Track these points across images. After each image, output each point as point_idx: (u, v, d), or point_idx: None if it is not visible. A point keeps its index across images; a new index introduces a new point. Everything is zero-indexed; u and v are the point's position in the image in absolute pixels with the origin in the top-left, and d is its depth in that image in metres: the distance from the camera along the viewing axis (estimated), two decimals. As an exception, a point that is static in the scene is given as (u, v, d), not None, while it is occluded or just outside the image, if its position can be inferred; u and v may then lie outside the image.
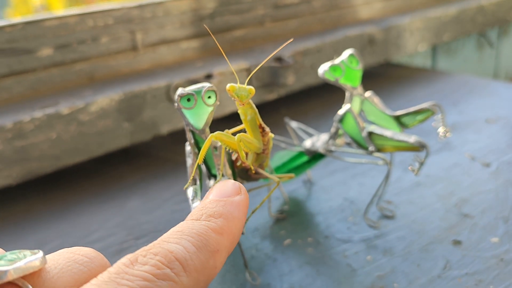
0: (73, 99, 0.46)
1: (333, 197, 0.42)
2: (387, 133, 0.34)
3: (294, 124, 0.42)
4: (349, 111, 0.35)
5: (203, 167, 0.30)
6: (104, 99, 0.46)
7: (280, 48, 0.31)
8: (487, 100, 0.62)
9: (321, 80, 0.63)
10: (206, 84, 0.28)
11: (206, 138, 0.29)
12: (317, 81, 0.62)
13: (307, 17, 0.68)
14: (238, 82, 0.28)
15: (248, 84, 0.57)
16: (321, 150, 0.38)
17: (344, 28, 0.67)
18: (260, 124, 0.29)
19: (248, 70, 0.55)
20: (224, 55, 0.29)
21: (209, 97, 0.28)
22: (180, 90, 0.28)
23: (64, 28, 0.50)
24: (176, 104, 0.28)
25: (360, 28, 0.67)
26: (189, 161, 0.30)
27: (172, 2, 0.56)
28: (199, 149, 0.30)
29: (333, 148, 0.37)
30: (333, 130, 0.37)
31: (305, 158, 0.39)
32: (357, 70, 0.35)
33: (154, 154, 0.53)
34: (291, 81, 0.57)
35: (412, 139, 0.33)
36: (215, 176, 0.31)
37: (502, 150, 0.48)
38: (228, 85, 0.27)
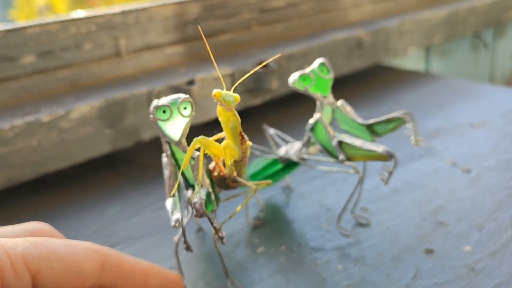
0: (55, 107, 0.47)
1: (310, 204, 0.42)
2: (357, 142, 0.34)
3: (271, 131, 0.42)
4: (319, 120, 0.35)
5: (180, 178, 0.30)
6: (85, 107, 0.47)
7: (268, 61, 0.31)
8: (474, 103, 0.61)
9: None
10: (182, 95, 0.28)
11: (182, 149, 0.29)
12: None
13: (295, 21, 0.68)
14: (225, 88, 0.28)
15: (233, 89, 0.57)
16: (294, 158, 0.38)
17: (331, 32, 0.67)
18: (240, 132, 0.30)
19: (232, 76, 0.55)
20: (214, 60, 0.29)
21: (185, 108, 0.28)
22: (155, 102, 0.28)
23: (46, 35, 0.50)
24: (151, 116, 0.28)
25: (348, 31, 0.66)
26: (166, 172, 0.31)
27: (155, 8, 0.56)
28: (175, 160, 0.30)
29: (306, 156, 0.37)
30: (305, 138, 0.37)
31: (279, 166, 0.39)
32: (328, 79, 0.35)
33: (136, 160, 0.53)
34: (276, 86, 0.57)
35: (380, 148, 0.33)
36: (192, 186, 0.31)
37: (484, 156, 0.48)
38: (215, 91, 0.27)
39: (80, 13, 0.52)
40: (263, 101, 0.58)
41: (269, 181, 0.34)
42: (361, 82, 0.72)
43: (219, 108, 0.29)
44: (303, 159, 0.38)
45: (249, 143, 0.30)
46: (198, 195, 0.27)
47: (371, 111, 0.61)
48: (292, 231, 0.38)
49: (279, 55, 0.34)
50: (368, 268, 0.34)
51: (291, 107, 0.63)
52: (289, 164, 0.39)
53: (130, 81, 0.53)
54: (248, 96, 0.56)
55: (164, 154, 0.31)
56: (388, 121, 0.34)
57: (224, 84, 0.29)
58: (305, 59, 0.61)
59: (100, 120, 0.48)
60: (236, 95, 0.28)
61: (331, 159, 0.36)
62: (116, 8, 0.54)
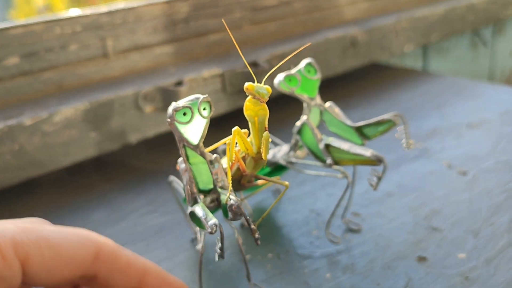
0: (38, 109, 0.45)
1: (299, 208, 0.40)
2: (345, 145, 0.32)
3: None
4: (306, 122, 0.33)
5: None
6: (68, 109, 0.45)
7: (298, 50, 0.30)
8: (472, 103, 0.60)
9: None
10: (200, 96, 0.27)
11: (200, 152, 0.27)
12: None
13: (288, 20, 0.67)
14: (256, 81, 0.27)
15: (223, 89, 0.56)
16: (281, 161, 0.36)
17: (326, 30, 0.66)
18: (266, 128, 0.28)
19: (222, 76, 0.53)
20: (240, 51, 0.28)
21: (204, 108, 0.27)
22: (175, 104, 0.26)
23: (30, 36, 0.49)
24: (169, 120, 0.26)
25: (343, 30, 0.65)
26: (185, 179, 0.29)
27: (143, 7, 0.54)
28: (190, 164, 0.28)
29: (293, 159, 0.36)
30: (293, 141, 0.35)
31: (267, 170, 0.38)
32: (315, 80, 0.34)
33: (124, 163, 0.51)
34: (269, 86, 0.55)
35: (369, 152, 0.31)
36: (202, 192, 0.29)
37: (481, 157, 0.46)
38: (247, 84, 0.26)
39: (65, 13, 0.51)
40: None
41: (278, 176, 0.33)
42: (356, 81, 0.70)
43: (247, 103, 0.27)
44: (291, 163, 0.36)
45: (270, 140, 0.29)
46: (232, 197, 0.26)
47: (365, 111, 0.60)
48: (280, 237, 0.37)
49: (309, 43, 0.32)
50: (358, 277, 0.32)
51: (284, 108, 0.62)
52: (277, 168, 0.38)
53: (118, 82, 0.52)
54: (238, 96, 0.55)
55: (180, 160, 0.30)
56: (378, 123, 0.33)
57: (254, 77, 0.28)
58: (297, 58, 0.59)
59: (85, 123, 0.46)
60: (268, 86, 0.27)
61: (319, 163, 0.34)
62: (103, 8, 0.52)
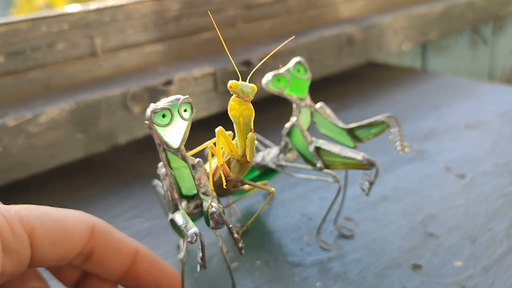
0: (23, 110, 0.44)
1: (291, 213, 0.39)
2: (335, 148, 0.31)
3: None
4: (295, 124, 0.32)
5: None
6: (54, 110, 0.44)
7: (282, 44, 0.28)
8: (471, 103, 0.58)
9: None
10: (180, 96, 0.26)
11: (181, 156, 0.26)
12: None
13: (282, 17, 0.65)
14: (241, 79, 0.26)
15: (214, 89, 0.54)
16: (270, 164, 0.35)
17: (321, 28, 0.64)
18: (252, 129, 0.27)
19: (213, 76, 0.52)
20: (226, 48, 0.26)
21: (185, 110, 0.26)
22: (153, 106, 0.25)
23: (15, 35, 0.47)
24: (147, 122, 0.25)
25: (338, 28, 0.63)
26: (165, 184, 0.28)
27: (133, 5, 0.53)
28: (171, 169, 0.27)
29: (283, 163, 0.34)
30: (282, 144, 0.34)
31: (256, 173, 0.36)
32: (305, 79, 0.32)
33: (112, 165, 0.50)
34: (260, 86, 0.54)
35: (360, 156, 0.30)
36: (186, 197, 0.28)
37: (480, 159, 0.45)
38: (230, 82, 0.25)
39: (51, 11, 0.49)
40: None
41: (266, 181, 0.32)
42: (352, 80, 0.69)
43: (231, 102, 0.26)
44: (281, 166, 0.35)
45: (256, 142, 0.27)
46: (214, 204, 0.25)
47: (362, 111, 0.58)
48: (270, 244, 0.36)
49: (292, 37, 0.31)
50: (350, 286, 0.31)
51: (277, 108, 0.60)
52: (266, 171, 0.36)
53: (106, 82, 0.50)
54: (230, 96, 0.53)
55: (161, 164, 0.29)
56: (370, 125, 0.31)
57: (239, 75, 0.27)
58: (292, 57, 0.57)
59: (71, 123, 0.45)
60: (253, 85, 0.26)
61: (309, 167, 0.33)
62: (91, 6, 0.51)
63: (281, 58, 0.57)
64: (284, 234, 0.36)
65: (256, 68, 0.28)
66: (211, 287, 0.32)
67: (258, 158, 0.36)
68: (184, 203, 0.28)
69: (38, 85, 0.49)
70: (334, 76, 0.65)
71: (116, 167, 0.49)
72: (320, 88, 0.66)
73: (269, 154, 0.35)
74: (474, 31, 0.93)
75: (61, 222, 0.24)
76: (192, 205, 0.28)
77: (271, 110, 0.59)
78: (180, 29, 0.57)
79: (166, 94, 0.48)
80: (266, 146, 0.39)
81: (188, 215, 0.28)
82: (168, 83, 0.49)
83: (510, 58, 1.02)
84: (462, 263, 0.32)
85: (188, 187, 0.28)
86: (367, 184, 0.30)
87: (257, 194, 0.42)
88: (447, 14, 0.76)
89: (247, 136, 0.26)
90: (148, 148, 0.52)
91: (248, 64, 0.54)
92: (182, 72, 0.51)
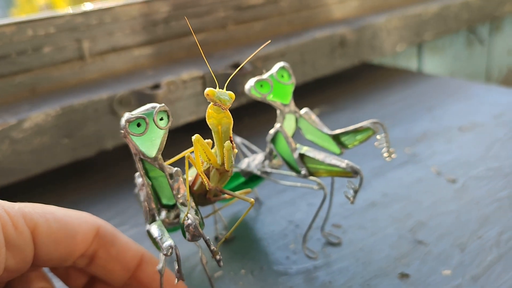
0: (7, 115, 0.43)
1: (278, 219, 0.38)
2: (320, 156, 0.30)
3: (238, 139, 0.38)
4: (279, 130, 0.31)
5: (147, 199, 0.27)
6: (39, 115, 0.43)
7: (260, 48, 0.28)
8: (465, 104, 0.57)
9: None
10: (156, 105, 0.25)
11: (159, 166, 0.25)
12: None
13: (274, 19, 0.64)
14: (218, 87, 0.26)
15: (204, 92, 0.53)
16: (255, 171, 0.34)
17: (314, 30, 0.63)
18: (231, 138, 0.26)
19: (202, 79, 0.51)
20: (203, 54, 0.26)
21: (161, 118, 0.25)
22: (127, 115, 0.24)
23: (0, 39, 0.46)
24: (122, 132, 0.24)
25: (331, 29, 0.63)
26: (142, 195, 0.27)
27: (120, 8, 0.52)
28: (150, 178, 0.26)
29: (268, 169, 0.34)
30: (267, 150, 0.33)
31: (241, 180, 0.36)
32: (288, 85, 0.32)
33: (99, 170, 0.49)
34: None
35: (344, 163, 0.29)
36: (167, 207, 0.27)
37: (472, 163, 0.44)
38: (207, 89, 0.25)
39: (36, 15, 0.48)
40: (239, 105, 0.55)
41: (249, 189, 0.31)
42: (346, 82, 0.68)
43: (209, 110, 0.25)
44: (266, 173, 0.34)
45: (236, 150, 0.27)
46: (190, 216, 0.24)
47: (354, 113, 0.57)
48: (255, 252, 0.35)
49: (268, 41, 0.30)
50: (335, 297, 0.30)
51: (270, 111, 0.59)
52: (252, 178, 0.36)
53: (93, 86, 0.49)
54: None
55: (137, 174, 0.28)
56: (356, 131, 0.30)
57: (217, 82, 0.26)
58: (283, 59, 0.57)
59: (56, 129, 0.44)
60: (231, 92, 0.25)
61: (294, 173, 0.32)
62: (77, 9, 0.50)
63: (271, 61, 0.56)
64: (270, 242, 0.36)
65: (233, 75, 0.27)
66: (194, 298, 0.31)
67: (243, 164, 0.35)
68: (164, 213, 0.28)
69: (24, 90, 0.48)
70: (327, 78, 0.65)
71: (103, 172, 0.49)
72: (313, 90, 0.65)
73: (254, 161, 0.35)
74: (470, 31, 0.92)
75: (65, 222, 0.24)
76: (172, 214, 0.28)
77: (259, 115, 0.58)
78: (170, 32, 0.56)
79: (153, 98, 0.47)
80: (253, 152, 0.38)
81: (169, 225, 0.28)
82: (156, 86, 0.48)
83: (507, 58, 1.02)
84: (451, 272, 0.31)
85: (168, 197, 0.27)
86: (351, 192, 0.29)
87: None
88: (442, 14, 0.75)
89: (224, 145, 0.25)
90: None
91: (237, 66, 0.53)
92: (171, 75, 0.50)
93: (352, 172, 0.29)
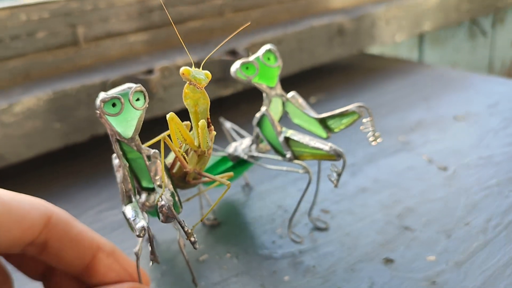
0: (-1, 99, 0.43)
1: (267, 204, 0.38)
2: (304, 139, 0.30)
3: (228, 124, 0.38)
4: (265, 113, 0.31)
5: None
6: (30, 99, 0.43)
7: (234, 34, 0.27)
8: (461, 94, 0.57)
9: (291, 71, 0.59)
10: (133, 85, 0.25)
11: (136, 147, 0.25)
12: (283, 74, 0.57)
13: (273, 6, 0.64)
14: (193, 66, 0.25)
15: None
16: (242, 155, 0.34)
17: (311, 18, 0.63)
18: (208, 119, 0.26)
19: (197, 65, 0.51)
20: (181, 40, 0.26)
21: (138, 99, 0.25)
22: (102, 95, 0.24)
23: (-7, 23, 0.46)
24: (98, 112, 0.24)
25: (329, 18, 0.62)
26: (118, 176, 0.27)
27: (115, -7, 0.52)
28: (127, 160, 0.26)
29: (254, 153, 0.34)
30: (254, 134, 0.33)
31: (229, 164, 0.36)
32: (274, 68, 0.31)
33: (91, 155, 0.49)
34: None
35: (327, 146, 0.29)
36: (147, 189, 0.27)
37: (464, 152, 0.44)
38: (182, 68, 0.24)
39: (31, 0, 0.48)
40: (235, 91, 0.55)
41: (231, 173, 0.30)
42: (344, 70, 0.68)
43: (186, 90, 0.25)
44: (252, 157, 0.34)
45: (214, 132, 0.27)
46: (164, 197, 0.24)
47: (349, 101, 0.56)
48: (242, 236, 0.35)
49: (248, 24, 0.30)
50: (318, 281, 0.30)
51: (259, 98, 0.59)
52: (239, 162, 0.36)
53: (87, 71, 0.49)
54: (216, 86, 0.53)
55: (114, 155, 0.28)
56: (342, 115, 0.30)
57: (192, 61, 0.26)
58: (280, 47, 0.57)
59: (48, 113, 0.44)
60: (207, 72, 0.25)
61: (280, 157, 0.32)
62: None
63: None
64: (258, 226, 0.36)
65: (209, 56, 0.27)
66: (177, 280, 0.31)
67: (231, 149, 0.35)
68: (144, 196, 0.27)
69: (17, 75, 0.48)
70: (325, 66, 0.64)
71: (95, 157, 0.49)
72: (310, 78, 0.65)
73: (241, 145, 0.35)
74: (472, 22, 0.92)
75: (12, 207, 0.23)
76: (152, 197, 0.28)
77: (256, 101, 0.58)
78: (166, 18, 0.56)
79: (146, 83, 0.47)
80: (242, 137, 0.38)
81: (150, 208, 0.28)
82: (149, 72, 0.48)
83: (510, 50, 1.01)
84: (435, 258, 0.31)
85: (148, 179, 0.27)
86: (335, 175, 0.29)
87: (235, 185, 0.41)
88: (443, 4, 0.74)
89: (199, 124, 0.25)
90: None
91: (233, 53, 0.53)
92: (165, 61, 0.50)
93: (335, 155, 0.29)
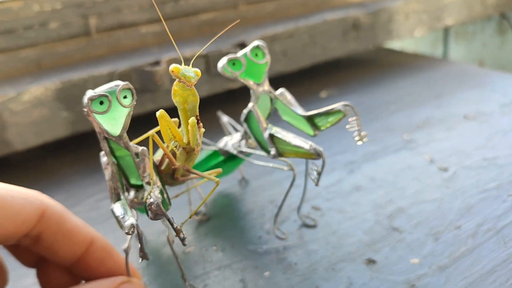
0: (8, 88, 0.45)
1: (260, 199, 0.38)
2: (288, 137, 0.30)
3: (225, 118, 0.39)
4: (251, 110, 0.31)
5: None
6: (38, 88, 0.44)
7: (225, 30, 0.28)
8: (475, 92, 0.55)
9: (296, 67, 0.59)
10: (120, 83, 0.25)
11: (124, 145, 0.26)
12: (290, 69, 0.57)
13: (287, 0, 0.64)
14: (183, 63, 0.26)
15: (207, 71, 0.53)
16: (232, 150, 0.34)
17: (327, 12, 0.62)
18: (197, 116, 0.26)
19: (205, 57, 0.51)
20: (172, 38, 0.26)
21: (125, 97, 0.25)
22: (90, 93, 0.24)
23: (7, 14, 0.48)
24: (85, 110, 0.24)
25: (344, 12, 0.61)
26: (107, 174, 0.28)
27: (127, -15, 0.53)
28: (116, 158, 0.27)
29: (244, 149, 0.34)
30: (243, 130, 0.33)
31: (221, 158, 0.36)
32: (262, 64, 0.31)
33: (96, 144, 0.50)
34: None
35: (308, 145, 0.29)
36: (135, 187, 0.28)
37: (468, 152, 0.43)
38: (172, 66, 0.25)
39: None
40: (235, 87, 0.55)
41: (219, 169, 0.31)
42: (358, 65, 0.67)
43: (175, 87, 0.26)
44: (242, 152, 0.34)
45: (203, 129, 0.27)
46: (153, 195, 0.24)
47: (360, 97, 0.56)
48: (231, 230, 0.35)
49: (237, 21, 0.30)
50: (297, 279, 0.30)
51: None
52: (230, 157, 0.36)
53: (97, 62, 0.50)
54: (223, 78, 0.53)
55: (102, 153, 0.28)
56: (328, 113, 0.30)
57: (182, 59, 0.26)
58: (291, 40, 0.56)
59: (56, 102, 0.45)
60: (197, 70, 0.25)
61: (265, 154, 0.32)
62: (84, -15, 0.51)
63: (278, 42, 0.56)
64: (247, 221, 0.36)
65: (198, 53, 0.27)
66: (162, 272, 0.32)
67: (222, 143, 0.35)
68: (132, 193, 0.28)
69: (29, 64, 0.50)
70: (340, 61, 0.64)
71: (97, 148, 0.50)
72: (323, 72, 0.64)
73: (231, 140, 0.35)
74: (502, 17, 0.89)
75: (4, 200, 0.23)
76: (141, 195, 0.28)
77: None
78: (178, 10, 0.56)
79: (153, 74, 0.48)
80: (237, 131, 0.38)
81: (138, 205, 0.28)
82: (156, 63, 0.49)
83: (542, 46, 0.97)
84: (419, 261, 0.31)
85: (136, 177, 0.27)
86: (315, 174, 0.29)
87: (232, 179, 0.41)
88: (467, -2, 0.72)
89: (189, 121, 0.25)
90: (134, 129, 0.52)
91: (242, 46, 0.53)
92: (173, 53, 0.50)
93: (315, 154, 0.28)
